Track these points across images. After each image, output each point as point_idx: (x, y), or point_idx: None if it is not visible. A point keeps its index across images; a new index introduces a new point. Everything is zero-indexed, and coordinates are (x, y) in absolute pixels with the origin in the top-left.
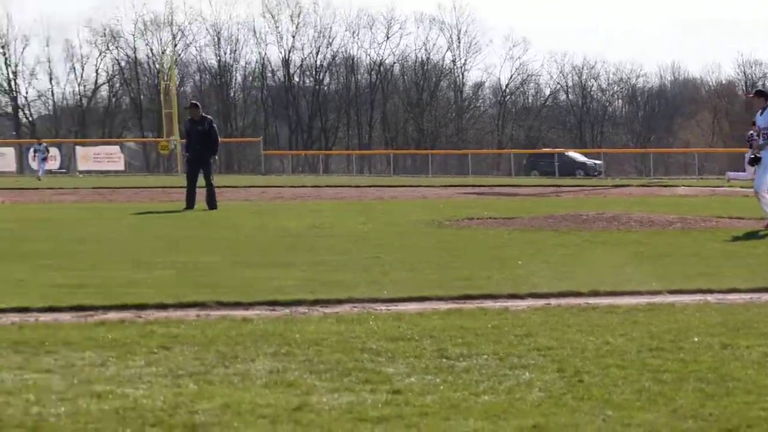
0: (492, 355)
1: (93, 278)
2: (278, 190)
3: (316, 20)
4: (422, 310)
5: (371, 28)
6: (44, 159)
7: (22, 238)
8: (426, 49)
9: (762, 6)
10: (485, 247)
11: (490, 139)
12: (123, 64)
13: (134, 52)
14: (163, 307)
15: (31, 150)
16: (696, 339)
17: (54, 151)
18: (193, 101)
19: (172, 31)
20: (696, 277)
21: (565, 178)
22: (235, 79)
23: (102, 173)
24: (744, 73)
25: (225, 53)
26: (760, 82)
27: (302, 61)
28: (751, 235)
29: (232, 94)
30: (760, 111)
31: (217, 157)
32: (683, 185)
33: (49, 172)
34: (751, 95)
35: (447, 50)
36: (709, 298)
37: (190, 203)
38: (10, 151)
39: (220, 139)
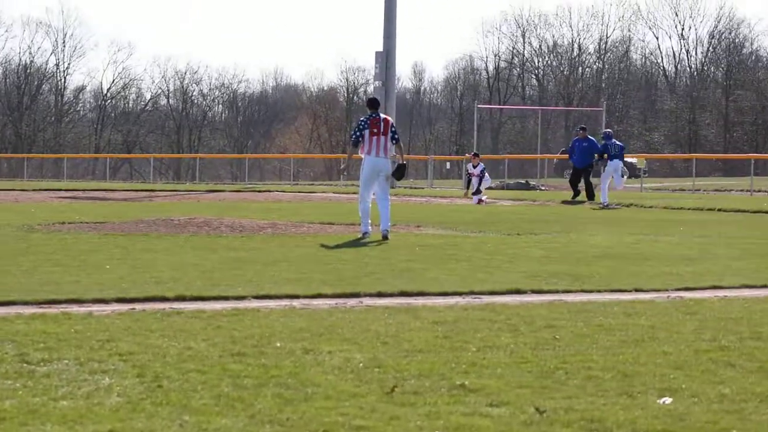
0: (73, 360)
1: None
2: None
3: None
4: (6, 315)
5: None
6: None
7: None
8: (30, 53)
9: (360, 14)
10: (75, 252)
11: (88, 144)
12: None
13: None
14: None
15: None
16: (278, 344)
17: None
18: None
19: None
20: (283, 283)
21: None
22: None
23: None
24: (346, 79)
25: None
26: (361, 89)
27: None
28: (341, 241)
29: None
30: None
31: None
32: (278, 190)
33: None
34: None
35: (51, 54)
36: (295, 303)
37: None
38: None
39: None
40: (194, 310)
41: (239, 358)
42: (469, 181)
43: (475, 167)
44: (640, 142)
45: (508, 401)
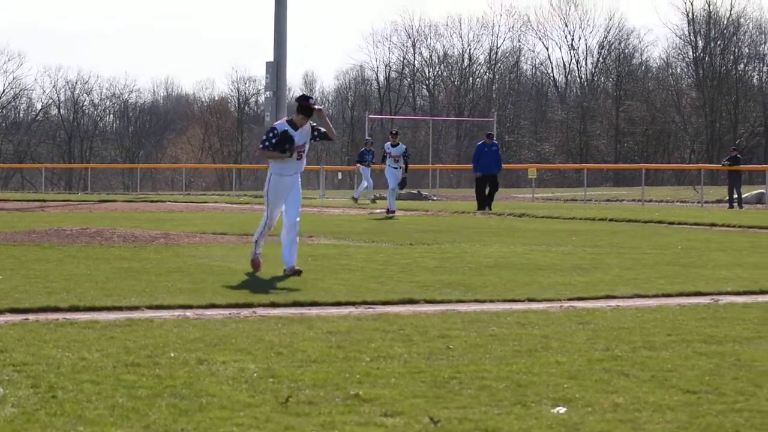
0: None
1: None
2: None
3: None
4: None
5: None
6: None
7: None
8: None
9: (250, 24)
10: None
11: None
12: None
13: None
14: None
15: None
16: (172, 354)
17: None
18: None
19: None
20: (176, 293)
21: None
22: None
23: None
24: (237, 89)
25: None
26: (252, 99)
27: None
28: (233, 251)
29: None
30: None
31: None
32: (170, 201)
33: None
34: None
35: None
36: (189, 313)
37: None
38: None
39: None
40: (88, 321)
41: (133, 369)
42: (384, 158)
43: (395, 146)
44: (531, 152)
45: (402, 411)
